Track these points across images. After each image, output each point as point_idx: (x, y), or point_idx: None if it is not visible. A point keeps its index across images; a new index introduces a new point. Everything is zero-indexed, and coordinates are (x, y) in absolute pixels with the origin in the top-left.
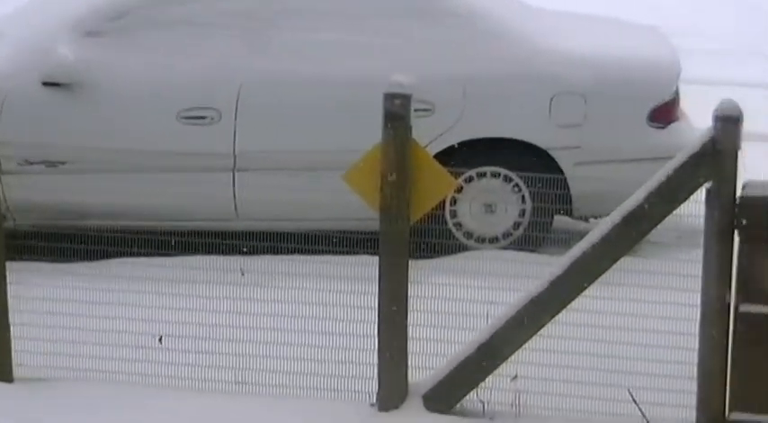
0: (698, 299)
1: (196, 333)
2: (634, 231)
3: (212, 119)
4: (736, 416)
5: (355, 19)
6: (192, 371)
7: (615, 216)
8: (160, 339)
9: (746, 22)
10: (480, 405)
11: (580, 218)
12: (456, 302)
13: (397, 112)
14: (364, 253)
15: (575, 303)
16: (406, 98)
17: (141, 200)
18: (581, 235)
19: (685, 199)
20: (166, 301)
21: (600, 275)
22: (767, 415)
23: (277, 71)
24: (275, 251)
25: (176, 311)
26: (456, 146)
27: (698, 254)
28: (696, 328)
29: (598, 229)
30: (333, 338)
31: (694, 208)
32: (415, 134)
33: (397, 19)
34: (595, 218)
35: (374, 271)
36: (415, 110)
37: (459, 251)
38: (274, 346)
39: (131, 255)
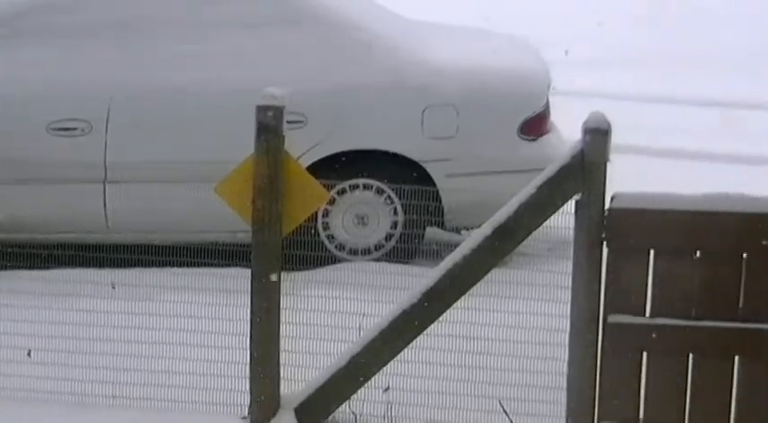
0: (568, 310)
1: (66, 347)
2: (505, 243)
3: (83, 130)
4: None
5: (227, 30)
6: (63, 385)
7: (486, 228)
8: (29, 353)
9: (615, 33)
10: (353, 417)
11: (452, 230)
12: (328, 314)
13: (269, 124)
14: (237, 265)
15: (447, 315)
16: (278, 110)
17: (11, 212)
18: (453, 247)
19: (555, 211)
20: (36, 314)
21: (471, 287)
22: None
23: (149, 82)
24: (147, 264)
25: (46, 325)
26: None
27: (568, 265)
28: (566, 339)
29: (470, 241)
30: (205, 351)
31: (564, 220)
32: (288, 146)
33: (270, 30)
34: (467, 229)
35: (246, 283)
36: (288, 122)
37: (332, 263)
38: (146, 360)
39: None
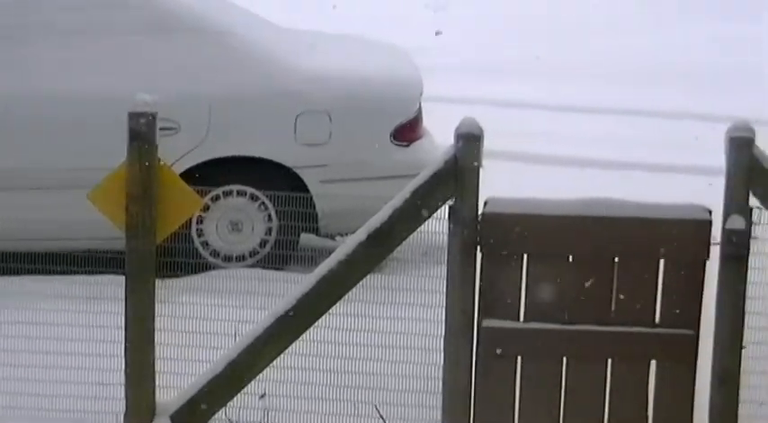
0: (443, 314)
1: None
2: (380, 248)
3: None
4: None
5: (97, 37)
6: None
7: (361, 234)
8: None
9: (487, 40)
10: None
11: (326, 236)
12: (204, 321)
13: (142, 131)
14: (111, 272)
15: (322, 321)
16: (151, 117)
17: None
18: (328, 253)
19: (429, 216)
20: None
21: (347, 293)
22: None
23: (17, 89)
24: (17, 272)
25: None
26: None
27: (442, 270)
28: (442, 344)
29: (344, 247)
30: (80, 359)
31: (438, 225)
32: (161, 153)
33: (141, 37)
34: (342, 235)
35: (121, 291)
36: (161, 128)
37: (206, 270)
38: (20, 368)
39: None
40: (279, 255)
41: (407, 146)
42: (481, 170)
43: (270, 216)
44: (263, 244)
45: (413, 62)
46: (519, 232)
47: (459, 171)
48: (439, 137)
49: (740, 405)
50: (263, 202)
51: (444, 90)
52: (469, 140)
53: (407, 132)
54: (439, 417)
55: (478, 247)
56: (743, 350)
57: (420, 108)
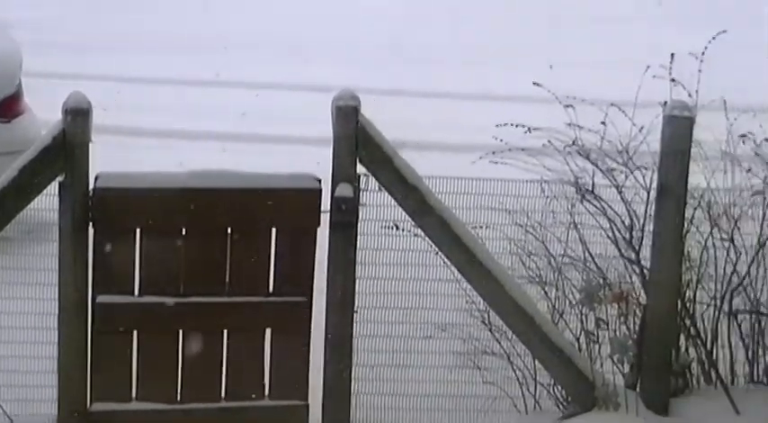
0: (56, 292)
1: None
2: None
3: None
4: (97, 407)
5: None
6: None
7: None
8: None
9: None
10: None
11: None
12: None
13: None
14: None
15: None
16: None
17: None
18: None
19: (39, 193)
20: None
21: None
22: (125, 403)
23: None
24: None
25: None
26: None
27: (51, 247)
28: (55, 322)
29: None
30: None
31: (47, 201)
32: None
33: None
34: None
35: None
36: None
37: None
38: None
39: None
40: None
41: (8, 122)
42: (91, 145)
43: None
44: None
45: (11, 37)
46: (130, 207)
47: (69, 146)
48: (45, 113)
49: (353, 368)
50: None
51: (51, 65)
52: (77, 115)
53: (7, 108)
54: (56, 396)
55: (91, 223)
56: (354, 314)
57: (20, 83)
